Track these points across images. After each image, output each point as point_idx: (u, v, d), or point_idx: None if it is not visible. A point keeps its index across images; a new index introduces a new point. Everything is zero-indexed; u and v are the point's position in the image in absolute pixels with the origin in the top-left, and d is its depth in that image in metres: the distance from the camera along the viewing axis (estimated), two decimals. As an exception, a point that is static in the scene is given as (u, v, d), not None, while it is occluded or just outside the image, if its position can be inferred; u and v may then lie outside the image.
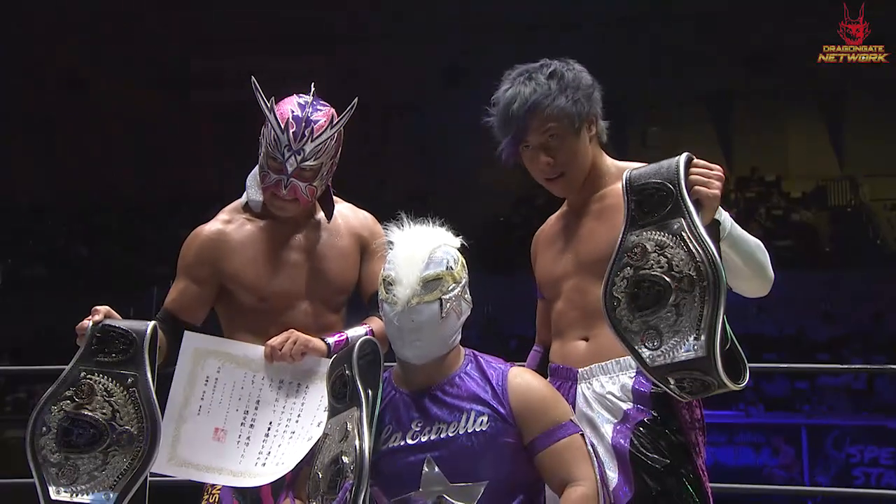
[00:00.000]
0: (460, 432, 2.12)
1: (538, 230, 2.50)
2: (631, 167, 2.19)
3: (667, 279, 1.94)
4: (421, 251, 2.17)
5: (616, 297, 2.00)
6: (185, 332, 2.45)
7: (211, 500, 2.43)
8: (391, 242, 2.22)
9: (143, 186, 16.83)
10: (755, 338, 11.87)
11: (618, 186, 2.13)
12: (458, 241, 2.23)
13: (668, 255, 1.95)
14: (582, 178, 2.32)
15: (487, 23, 14.61)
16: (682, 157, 2.03)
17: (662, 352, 1.93)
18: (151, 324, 2.30)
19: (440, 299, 2.14)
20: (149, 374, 2.22)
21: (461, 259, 2.22)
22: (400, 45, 15.18)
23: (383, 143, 15.88)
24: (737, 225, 2.09)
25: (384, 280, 2.19)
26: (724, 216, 2.06)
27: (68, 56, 15.05)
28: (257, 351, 2.43)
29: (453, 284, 2.17)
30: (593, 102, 2.31)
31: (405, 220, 2.23)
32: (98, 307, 2.31)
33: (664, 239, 1.97)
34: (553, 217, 2.47)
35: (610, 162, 2.37)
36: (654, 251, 1.97)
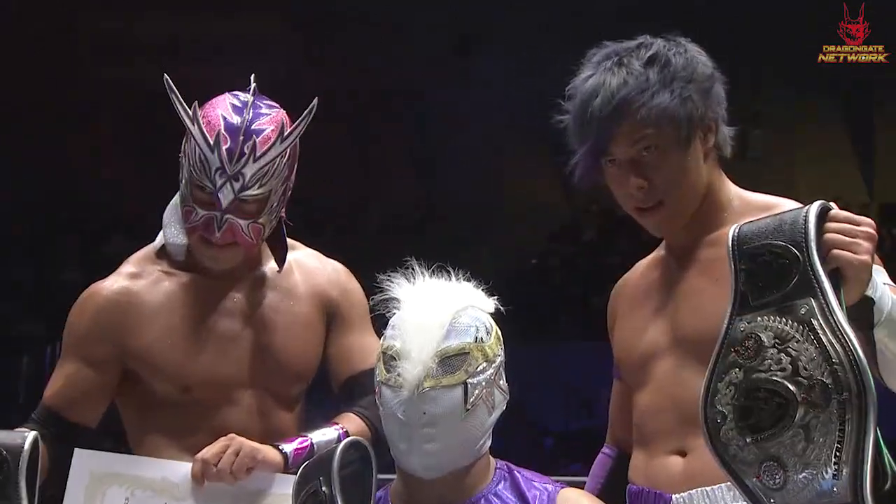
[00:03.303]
0: None
1: (620, 280, 2.06)
2: (750, 200, 1.86)
3: (791, 388, 1.58)
4: (440, 315, 1.78)
5: (720, 410, 1.63)
6: (76, 450, 1.96)
7: None
8: (396, 300, 1.82)
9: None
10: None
11: None
12: (491, 304, 1.86)
13: (793, 353, 1.59)
14: (689, 211, 1.88)
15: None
16: (814, 208, 1.63)
17: (788, 491, 1.59)
18: (31, 435, 1.87)
19: (465, 383, 1.76)
20: None
21: (496, 328, 1.84)
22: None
23: (368, 143, 12.55)
24: None
25: (385, 353, 1.80)
26: (879, 291, 1.65)
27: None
28: (180, 469, 1.95)
29: (484, 363, 1.78)
30: (712, 101, 1.85)
31: (417, 269, 1.84)
32: None
33: (787, 328, 1.60)
34: (643, 263, 2.03)
35: (734, 191, 1.93)
36: (773, 346, 1.61)
